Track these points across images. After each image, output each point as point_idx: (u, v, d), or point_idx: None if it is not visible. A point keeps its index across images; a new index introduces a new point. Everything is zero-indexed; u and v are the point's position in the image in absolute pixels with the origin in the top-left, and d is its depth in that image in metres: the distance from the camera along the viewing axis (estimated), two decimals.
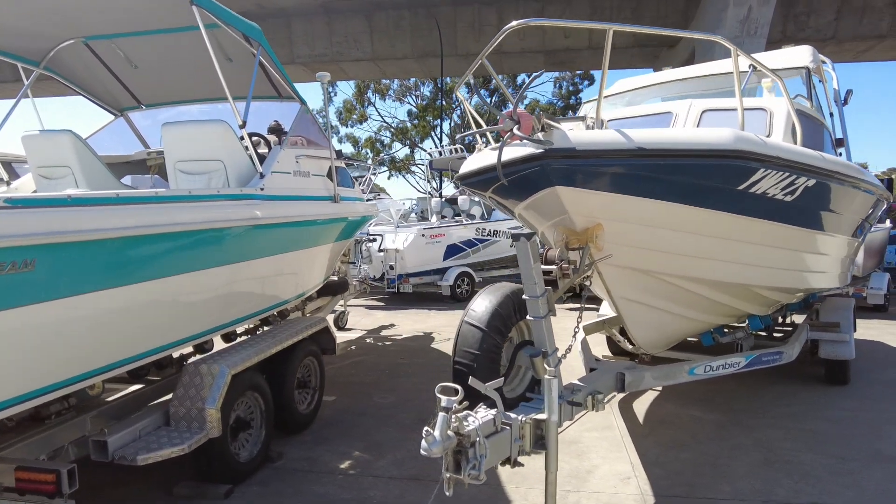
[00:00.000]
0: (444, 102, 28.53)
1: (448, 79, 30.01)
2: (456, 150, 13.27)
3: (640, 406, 5.27)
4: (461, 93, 4.19)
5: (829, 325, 5.64)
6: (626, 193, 3.25)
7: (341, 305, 9.11)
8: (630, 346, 5.64)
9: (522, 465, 2.84)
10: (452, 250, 12.27)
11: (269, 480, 3.91)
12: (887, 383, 5.98)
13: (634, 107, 5.09)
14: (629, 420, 4.96)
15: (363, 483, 3.87)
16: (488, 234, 12.81)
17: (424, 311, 11.05)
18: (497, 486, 3.81)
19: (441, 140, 27.33)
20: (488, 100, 39.31)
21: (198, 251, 3.64)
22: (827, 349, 5.58)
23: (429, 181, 14.61)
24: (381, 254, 11.76)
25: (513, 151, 3.27)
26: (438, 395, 2.41)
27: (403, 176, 38.37)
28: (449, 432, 2.38)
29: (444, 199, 14.00)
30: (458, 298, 12.09)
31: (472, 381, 2.58)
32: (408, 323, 9.83)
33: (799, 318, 6.32)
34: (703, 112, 4.26)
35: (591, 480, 3.88)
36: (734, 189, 3.26)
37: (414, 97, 36.83)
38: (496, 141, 3.41)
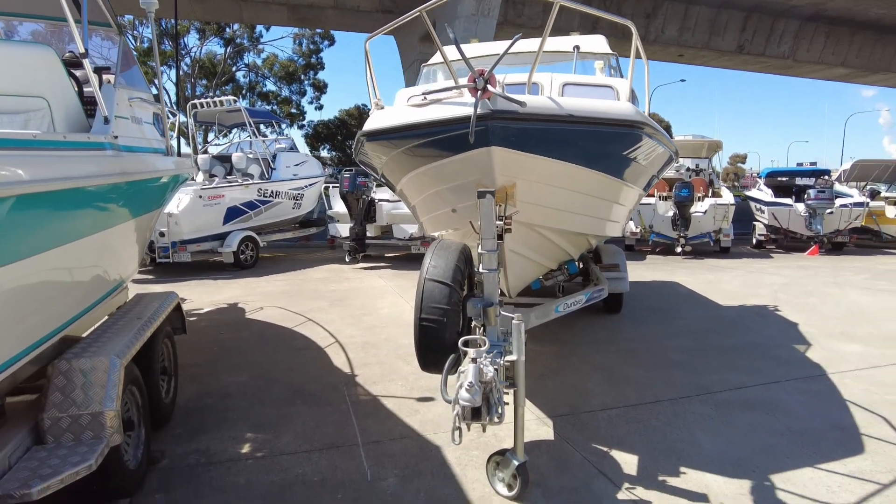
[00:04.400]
0: (177, 47, 25.08)
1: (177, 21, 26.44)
2: (227, 101, 12.00)
3: None
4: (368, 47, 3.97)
5: (612, 266, 7.03)
6: (543, 155, 3.60)
7: None
8: None
9: (508, 403, 3.05)
10: (233, 213, 11.25)
11: (167, 484, 3.32)
12: (646, 309, 7.78)
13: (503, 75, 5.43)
14: None
15: (282, 463, 3.58)
16: (270, 195, 12.06)
17: (211, 282, 10.00)
18: (417, 437, 3.93)
19: (177, 89, 24.20)
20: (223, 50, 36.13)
21: (48, 223, 2.80)
22: (612, 285, 6.94)
23: (193, 136, 12.93)
24: None
25: (452, 110, 3.33)
26: (465, 349, 2.44)
27: None
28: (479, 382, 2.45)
29: (212, 156, 12.63)
30: (242, 266, 11.23)
31: (478, 335, 2.65)
32: (201, 296, 8.81)
33: None
34: (564, 85, 4.85)
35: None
36: (619, 153, 3.89)
37: (131, 38, 31.43)
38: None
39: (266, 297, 8.66)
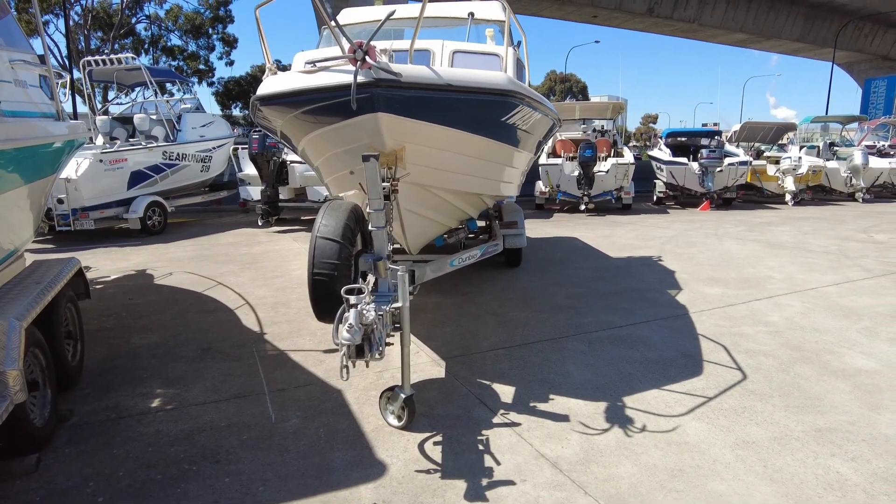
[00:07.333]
0: None
1: None
2: (125, 58, 11.39)
3: None
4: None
5: (511, 224, 7.55)
6: (427, 121, 3.92)
7: None
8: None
9: (392, 344, 3.43)
10: (138, 178, 10.88)
11: (77, 439, 3.50)
12: (541, 261, 8.42)
13: (395, 41, 5.63)
14: None
15: (191, 413, 3.83)
16: (177, 158, 11.71)
17: (117, 249, 9.75)
18: (321, 383, 4.29)
19: (68, 42, 22.38)
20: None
21: None
22: (510, 241, 7.49)
23: (89, 96, 12.20)
24: None
25: (336, 78, 3.57)
26: (346, 296, 2.77)
27: None
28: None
29: (112, 118, 12.03)
30: (150, 232, 10.97)
31: (365, 285, 2.99)
32: (105, 263, 8.63)
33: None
34: (454, 52, 5.14)
35: (392, 360, 4.68)
36: (498, 120, 4.27)
37: None
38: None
39: (175, 263, 8.60)
